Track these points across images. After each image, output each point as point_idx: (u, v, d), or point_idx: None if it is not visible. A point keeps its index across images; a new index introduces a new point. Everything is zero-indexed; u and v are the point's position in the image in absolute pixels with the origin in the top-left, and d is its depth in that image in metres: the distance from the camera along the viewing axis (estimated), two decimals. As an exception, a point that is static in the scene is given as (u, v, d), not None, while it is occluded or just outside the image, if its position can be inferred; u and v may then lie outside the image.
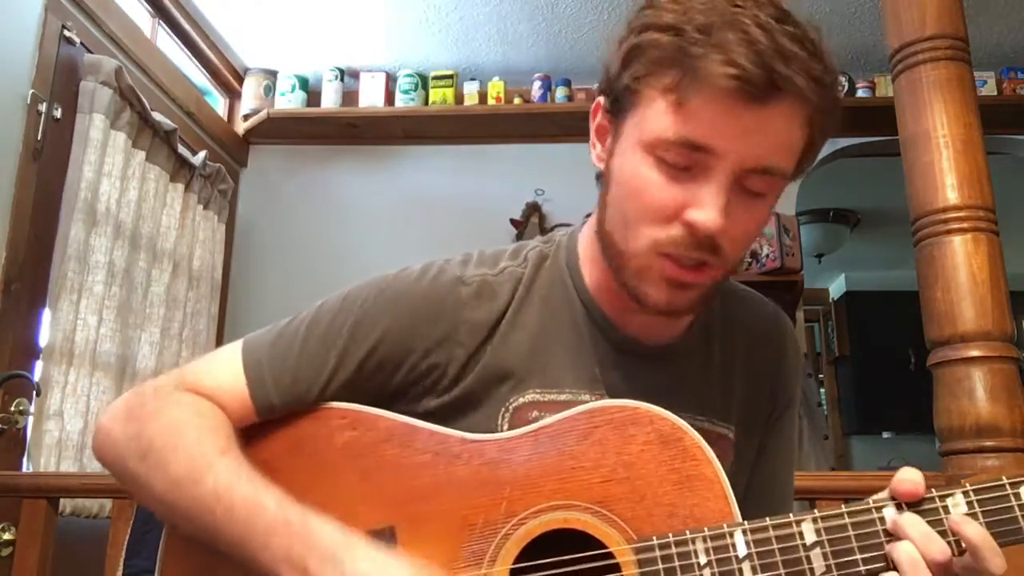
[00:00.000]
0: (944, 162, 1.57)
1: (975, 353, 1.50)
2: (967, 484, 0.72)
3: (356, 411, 0.83)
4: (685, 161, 0.74)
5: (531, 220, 3.12)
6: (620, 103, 0.79)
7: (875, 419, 5.30)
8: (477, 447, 0.80)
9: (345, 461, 0.80)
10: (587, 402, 0.83)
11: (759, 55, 0.70)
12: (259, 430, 0.85)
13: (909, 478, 0.72)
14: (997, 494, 0.71)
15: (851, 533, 0.72)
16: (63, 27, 2.23)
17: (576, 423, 0.79)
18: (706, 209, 0.74)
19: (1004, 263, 1.55)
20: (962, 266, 1.53)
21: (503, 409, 0.84)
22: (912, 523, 0.70)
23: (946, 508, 0.71)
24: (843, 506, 0.73)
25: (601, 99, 0.83)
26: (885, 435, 5.48)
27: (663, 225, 0.76)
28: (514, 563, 0.76)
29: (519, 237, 3.07)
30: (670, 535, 0.74)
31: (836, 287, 5.74)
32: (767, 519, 0.73)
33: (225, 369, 0.85)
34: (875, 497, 0.74)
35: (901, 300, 4.63)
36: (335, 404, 0.84)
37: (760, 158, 0.74)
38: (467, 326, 0.84)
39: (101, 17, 2.39)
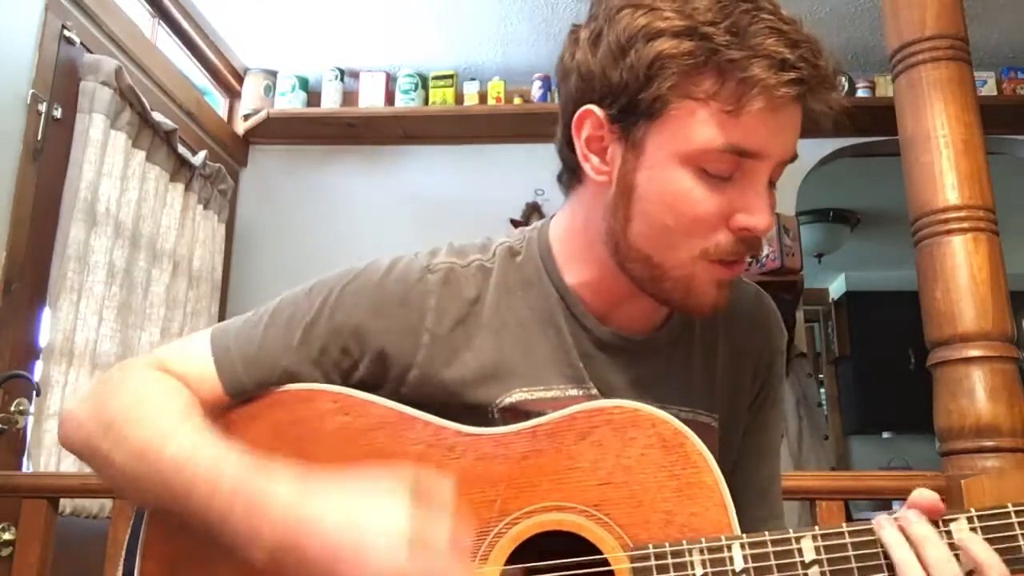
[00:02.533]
0: (944, 162, 1.57)
1: (975, 353, 1.50)
2: (972, 510, 0.71)
3: (347, 396, 0.81)
4: (730, 169, 0.74)
5: (531, 220, 3.11)
6: (637, 114, 0.75)
7: (875, 419, 5.30)
8: (472, 441, 0.78)
9: (334, 447, 0.78)
10: (575, 397, 0.82)
11: (805, 55, 0.71)
12: (244, 409, 0.82)
13: (927, 498, 0.71)
14: (1001, 521, 0.70)
15: (851, 553, 0.71)
16: (63, 27, 2.23)
17: (575, 422, 0.78)
18: (760, 215, 0.74)
19: (1004, 263, 1.55)
20: (962, 266, 1.53)
21: (490, 409, 0.82)
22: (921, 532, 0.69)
23: (949, 533, 0.70)
24: (843, 524, 0.72)
25: (595, 109, 0.77)
26: (885, 435, 5.48)
27: (710, 234, 0.76)
28: (506, 563, 0.74)
29: (519, 237, 3.07)
30: (667, 544, 0.73)
31: (836, 287, 5.74)
32: (766, 534, 0.72)
33: (194, 353, 0.84)
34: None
35: (901, 300, 4.63)
36: (326, 387, 0.82)
37: (790, 152, 0.76)
38: (433, 312, 0.83)
39: (101, 17, 2.39)
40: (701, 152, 0.73)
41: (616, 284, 0.83)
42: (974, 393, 1.48)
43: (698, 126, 0.73)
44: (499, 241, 0.90)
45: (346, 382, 0.83)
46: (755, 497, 0.91)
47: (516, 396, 0.82)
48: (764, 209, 0.74)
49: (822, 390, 5.56)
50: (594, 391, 0.83)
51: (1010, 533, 0.70)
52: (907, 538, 0.70)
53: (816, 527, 0.72)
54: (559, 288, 0.86)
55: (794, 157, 0.78)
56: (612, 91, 0.76)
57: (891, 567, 0.70)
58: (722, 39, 0.71)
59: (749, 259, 0.79)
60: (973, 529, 0.70)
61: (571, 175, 0.86)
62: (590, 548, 0.75)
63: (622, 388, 0.82)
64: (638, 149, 0.76)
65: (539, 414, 0.80)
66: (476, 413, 0.81)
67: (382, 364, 0.83)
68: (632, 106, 0.75)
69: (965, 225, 1.54)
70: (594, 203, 0.82)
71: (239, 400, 0.83)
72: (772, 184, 0.78)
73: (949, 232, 1.55)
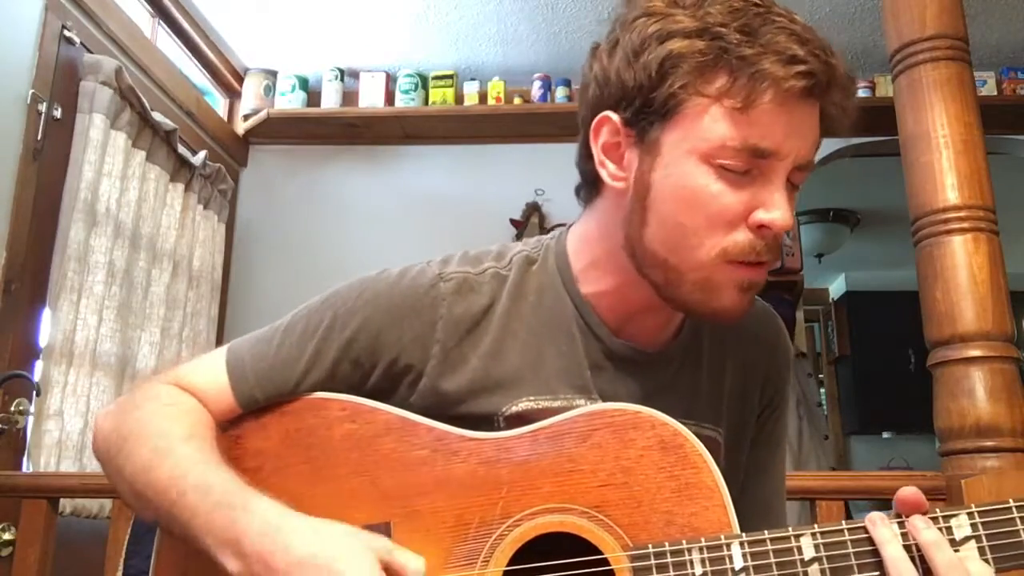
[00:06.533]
0: (944, 162, 1.57)
1: (975, 353, 1.49)
2: (973, 506, 0.71)
3: (355, 404, 0.83)
4: (746, 166, 0.74)
5: (531, 220, 3.12)
6: (652, 114, 0.76)
7: (875, 419, 5.30)
8: (475, 445, 0.79)
9: (342, 454, 0.80)
10: (580, 407, 0.82)
11: (815, 51, 0.72)
12: (256, 418, 0.85)
13: (912, 492, 0.71)
14: (1002, 517, 0.70)
15: (850, 551, 0.71)
16: (63, 27, 2.23)
17: (575, 425, 0.78)
18: (778, 210, 0.74)
19: (1004, 263, 1.55)
20: (962, 266, 1.53)
21: (496, 417, 0.82)
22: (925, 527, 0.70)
23: (950, 529, 0.70)
24: (843, 522, 0.72)
25: (611, 115, 0.79)
26: (885, 435, 5.49)
27: (729, 233, 0.75)
28: (508, 565, 0.75)
29: (519, 237, 3.07)
30: (666, 543, 0.73)
31: (836, 287, 5.74)
32: (765, 532, 0.72)
33: (210, 367, 0.87)
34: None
35: (901, 300, 4.64)
36: (334, 396, 0.83)
37: (808, 154, 0.76)
38: (444, 321, 0.84)
39: (101, 17, 2.39)
40: (716, 149, 0.74)
41: (632, 295, 0.83)
42: (974, 393, 1.48)
43: (712, 123, 0.74)
44: (516, 249, 0.90)
45: (359, 391, 0.84)
46: (758, 512, 0.92)
47: (522, 405, 0.83)
48: (782, 205, 0.74)
49: (822, 390, 5.57)
50: (599, 402, 0.84)
51: (1011, 528, 0.70)
52: (918, 544, 0.69)
53: (815, 525, 0.72)
54: (574, 298, 0.86)
55: (812, 164, 0.78)
56: (627, 94, 0.77)
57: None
58: (733, 38, 0.72)
59: (765, 262, 0.79)
60: (974, 525, 0.70)
61: (589, 188, 0.87)
62: (591, 550, 0.75)
63: (628, 398, 0.82)
64: (653, 150, 0.77)
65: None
66: (483, 421, 0.82)
67: (394, 373, 0.84)
68: (646, 106, 0.76)
69: (965, 225, 1.54)
70: (612, 212, 0.83)
71: (251, 410, 0.85)
72: (795, 188, 0.78)
73: (949, 232, 1.55)
